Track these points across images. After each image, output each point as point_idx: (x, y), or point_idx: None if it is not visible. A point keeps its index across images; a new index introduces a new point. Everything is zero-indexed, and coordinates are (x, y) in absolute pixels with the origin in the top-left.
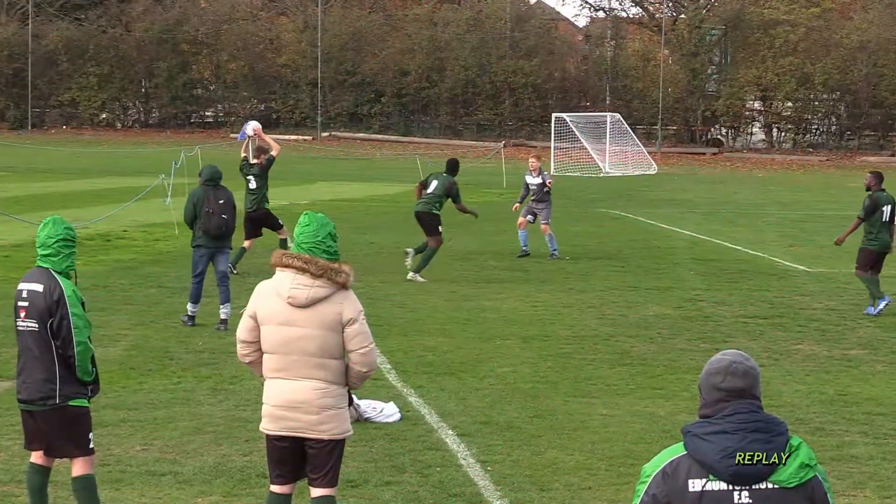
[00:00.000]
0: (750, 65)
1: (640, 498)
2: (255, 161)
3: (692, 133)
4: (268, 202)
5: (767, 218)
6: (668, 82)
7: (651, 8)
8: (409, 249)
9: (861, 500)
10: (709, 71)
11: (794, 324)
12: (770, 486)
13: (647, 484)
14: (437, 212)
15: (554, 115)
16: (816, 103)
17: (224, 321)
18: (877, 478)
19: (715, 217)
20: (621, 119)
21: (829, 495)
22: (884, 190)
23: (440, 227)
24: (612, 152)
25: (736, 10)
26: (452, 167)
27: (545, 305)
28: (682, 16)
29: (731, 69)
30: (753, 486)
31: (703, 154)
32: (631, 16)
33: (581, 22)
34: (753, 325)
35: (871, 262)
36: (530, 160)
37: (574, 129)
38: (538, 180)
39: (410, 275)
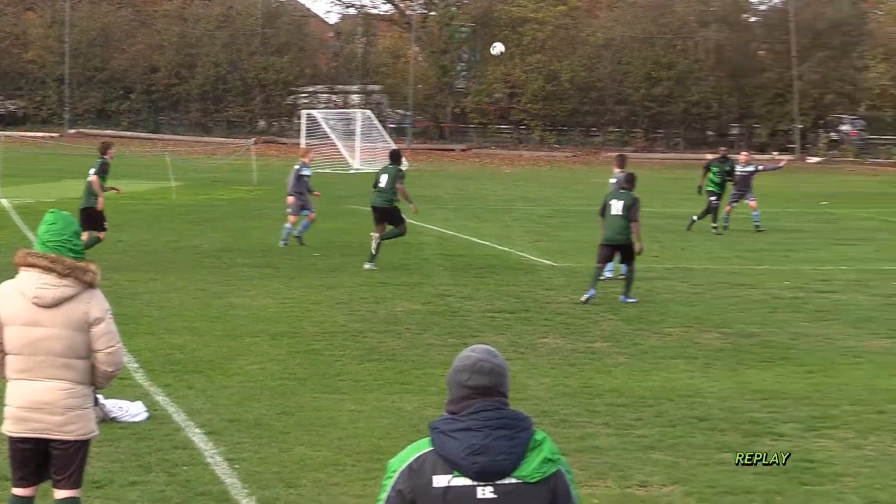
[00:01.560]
0: (498, 62)
1: (386, 493)
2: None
3: (442, 130)
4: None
5: (515, 213)
6: (418, 79)
7: (402, 5)
8: (375, 234)
9: (603, 489)
10: (458, 68)
11: (540, 318)
12: (513, 481)
13: (393, 479)
14: (396, 203)
15: (304, 111)
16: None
17: None
18: (618, 468)
19: (463, 213)
20: (371, 115)
21: (571, 487)
22: (624, 189)
23: (403, 216)
24: (363, 149)
25: (485, 7)
26: (396, 157)
27: (294, 302)
28: (433, 13)
29: (480, 66)
30: (497, 482)
31: (453, 150)
32: (382, 13)
33: (332, 19)
34: (500, 320)
35: (601, 255)
36: (310, 153)
37: (324, 125)
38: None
39: (367, 266)
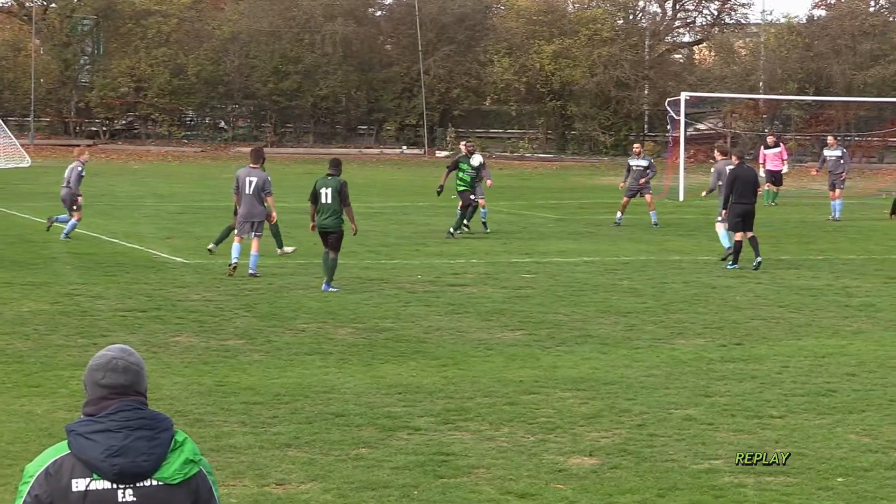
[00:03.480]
0: (123, 55)
1: (22, 499)
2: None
3: (66, 125)
4: None
5: (144, 210)
6: (40, 73)
7: None
8: (212, 245)
9: (240, 489)
10: (82, 62)
11: (173, 316)
12: (155, 483)
13: (30, 484)
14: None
15: None
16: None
17: None
18: (255, 466)
19: (91, 210)
20: None
21: (213, 488)
22: (331, 175)
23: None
24: None
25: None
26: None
27: None
28: (53, 5)
29: (105, 60)
30: (138, 485)
31: (78, 146)
32: (1, 4)
33: None
34: (132, 319)
35: (324, 242)
36: (85, 153)
37: None
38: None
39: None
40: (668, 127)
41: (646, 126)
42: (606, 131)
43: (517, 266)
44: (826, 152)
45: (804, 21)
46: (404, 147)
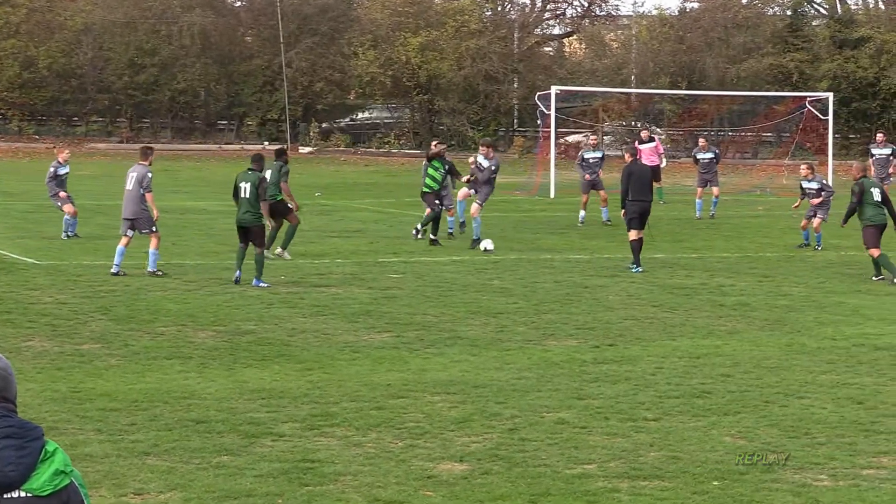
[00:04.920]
0: None
1: None
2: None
3: None
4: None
5: None
6: None
7: None
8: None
9: (97, 499)
10: None
11: (25, 319)
12: (23, 494)
13: None
14: (279, 197)
15: None
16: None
17: None
18: (112, 475)
19: None
20: None
21: (86, 501)
22: (252, 170)
23: (290, 206)
24: None
25: None
26: (280, 154)
27: None
28: None
29: None
30: (5, 496)
31: None
32: None
33: None
34: None
35: (241, 236)
36: (65, 152)
37: None
38: None
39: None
40: (539, 122)
41: (515, 121)
42: (475, 126)
43: (384, 266)
44: (698, 155)
45: (676, 13)
46: (266, 143)
